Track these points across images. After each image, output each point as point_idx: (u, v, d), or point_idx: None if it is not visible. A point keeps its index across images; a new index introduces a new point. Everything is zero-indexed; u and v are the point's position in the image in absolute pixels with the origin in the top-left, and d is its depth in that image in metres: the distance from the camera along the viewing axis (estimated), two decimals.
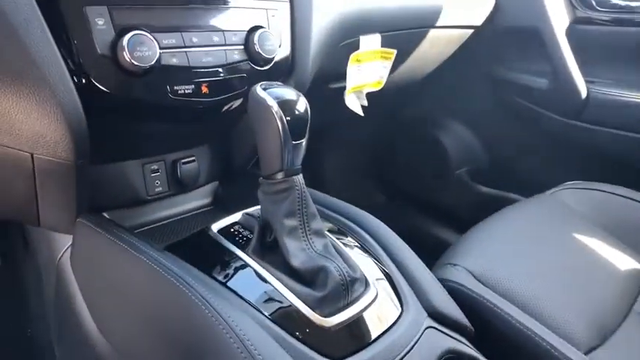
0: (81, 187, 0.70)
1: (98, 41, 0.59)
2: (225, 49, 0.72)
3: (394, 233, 0.76)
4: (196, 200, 0.94)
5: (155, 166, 0.85)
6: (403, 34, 1.17)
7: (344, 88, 1.08)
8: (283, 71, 0.82)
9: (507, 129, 1.49)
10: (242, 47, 0.74)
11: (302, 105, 0.61)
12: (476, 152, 1.57)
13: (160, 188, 0.86)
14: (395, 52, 1.12)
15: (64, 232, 0.80)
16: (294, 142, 0.59)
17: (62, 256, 0.82)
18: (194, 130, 0.85)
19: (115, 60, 0.60)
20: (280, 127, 0.58)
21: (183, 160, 0.87)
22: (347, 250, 0.67)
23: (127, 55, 0.60)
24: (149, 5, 0.64)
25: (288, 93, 0.61)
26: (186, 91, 0.69)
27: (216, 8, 0.71)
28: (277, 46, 0.77)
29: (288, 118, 0.59)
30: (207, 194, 0.96)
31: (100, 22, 0.59)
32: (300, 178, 0.62)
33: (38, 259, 0.96)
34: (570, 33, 1.31)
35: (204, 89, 0.71)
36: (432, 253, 0.95)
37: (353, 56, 1.04)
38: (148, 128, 0.76)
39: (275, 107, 0.58)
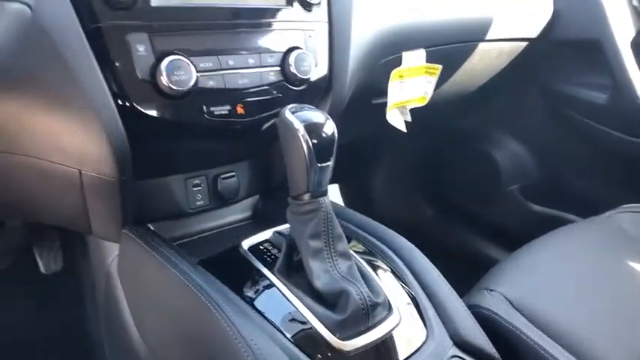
0: (126, 200, 0.75)
1: (139, 67, 0.63)
2: (261, 71, 0.74)
3: (424, 256, 0.75)
4: (236, 214, 0.97)
5: (197, 181, 0.88)
6: (449, 48, 1.14)
7: (387, 103, 1.08)
8: (320, 90, 0.83)
9: (562, 145, 1.42)
10: (278, 68, 0.76)
11: (329, 128, 0.61)
12: (528, 168, 1.51)
13: (202, 202, 0.89)
14: (440, 67, 1.10)
15: (112, 241, 0.85)
16: (320, 165, 0.60)
17: (111, 262, 0.88)
18: (234, 147, 0.88)
19: (154, 84, 0.64)
20: (306, 150, 0.59)
21: (223, 175, 0.90)
22: (373, 272, 0.67)
23: (165, 80, 0.63)
24: (187, 31, 0.67)
25: (316, 116, 0.61)
26: (222, 112, 0.71)
27: (254, 31, 0.74)
28: (313, 66, 0.78)
29: (315, 141, 0.60)
30: (247, 208, 0.98)
31: (141, 49, 0.63)
32: (326, 200, 0.63)
33: (92, 263, 1.02)
34: (636, 45, 1.23)
35: (240, 110, 0.73)
36: (480, 271, 0.92)
37: (395, 72, 1.03)
38: (189, 146, 0.79)
39: (301, 130, 0.59)
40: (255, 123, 0.76)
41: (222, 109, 0.71)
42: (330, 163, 0.62)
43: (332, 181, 1.87)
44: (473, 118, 1.59)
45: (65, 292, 1.20)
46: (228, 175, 0.91)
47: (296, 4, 0.78)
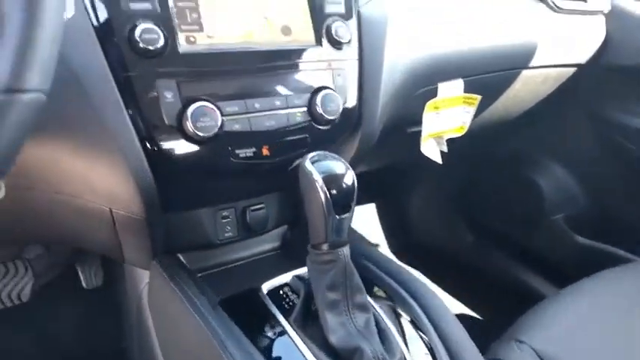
0: (155, 234, 0.77)
1: (166, 113, 0.65)
2: (287, 112, 0.74)
3: (447, 306, 0.72)
4: (264, 244, 0.97)
5: (226, 213, 0.89)
6: (489, 76, 1.10)
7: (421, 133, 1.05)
8: (348, 127, 0.83)
9: (613, 174, 1.34)
10: (305, 109, 0.76)
11: (349, 179, 0.61)
12: (574, 196, 1.43)
13: (230, 233, 0.90)
14: (479, 98, 1.06)
15: (144, 269, 0.88)
16: (338, 217, 0.60)
17: (143, 288, 0.92)
18: (262, 182, 0.89)
19: (180, 129, 0.65)
20: (324, 202, 0.59)
21: (252, 207, 0.91)
22: (392, 324, 0.65)
23: (190, 126, 0.64)
24: (214, 76, 0.68)
25: (337, 166, 0.61)
26: (247, 154, 0.72)
27: (281, 73, 0.74)
28: (341, 105, 0.77)
29: (334, 192, 0.59)
30: (275, 238, 0.99)
31: (169, 96, 0.65)
32: (345, 250, 0.62)
33: (127, 286, 1.06)
34: None
35: (266, 151, 0.74)
36: (519, 303, 0.88)
37: (430, 104, 1.01)
38: (217, 184, 0.80)
39: (320, 182, 0.59)
40: (281, 163, 0.76)
41: (248, 152, 0.72)
42: (350, 215, 0.61)
43: (368, 200, 1.84)
44: (515, 142, 1.53)
45: (104, 307, 1.26)
46: (257, 207, 0.91)
47: (325, 43, 0.77)
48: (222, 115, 0.68)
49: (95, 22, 0.61)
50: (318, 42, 0.77)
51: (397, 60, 0.89)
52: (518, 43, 1.13)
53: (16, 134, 0.38)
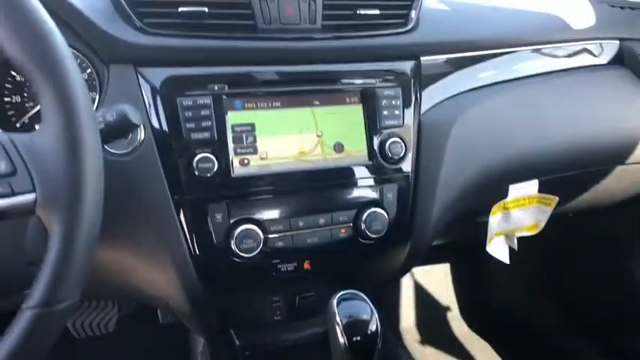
0: (204, 321, 0.84)
1: (215, 232, 0.70)
2: (331, 229, 0.76)
3: None
4: (313, 327, 1.00)
5: (276, 298, 0.94)
6: (573, 174, 1.02)
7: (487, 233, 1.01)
8: (395, 241, 0.82)
9: None
10: (350, 225, 0.77)
11: (373, 325, 0.61)
12: None
13: (279, 317, 0.95)
14: (556, 199, 0.99)
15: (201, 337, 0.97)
16: None
17: (199, 353, 1.00)
18: (305, 285, 0.91)
19: (227, 247, 0.70)
20: (343, 349, 0.60)
21: (302, 295, 0.94)
22: None
23: (234, 247, 0.69)
24: (262, 196, 0.72)
25: (362, 310, 0.62)
26: (289, 269, 0.76)
27: (330, 190, 0.76)
28: (387, 223, 0.77)
29: (357, 338, 0.60)
30: (324, 323, 1.01)
31: (219, 217, 0.70)
32: None
33: (191, 338, 1.17)
34: None
35: (307, 266, 0.77)
36: None
37: (498, 206, 0.96)
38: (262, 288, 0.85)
39: (341, 326, 0.60)
40: (323, 275, 0.78)
41: (289, 266, 0.76)
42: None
43: (442, 260, 1.77)
44: (613, 225, 1.38)
45: (177, 343, 1.38)
46: (306, 294, 0.94)
47: (378, 159, 0.78)
48: (266, 233, 0.72)
49: (160, 149, 0.68)
50: (371, 158, 0.78)
51: (460, 167, 0.86)
52: (615, 140, 1.02)
53: (54, 333, 0.44)
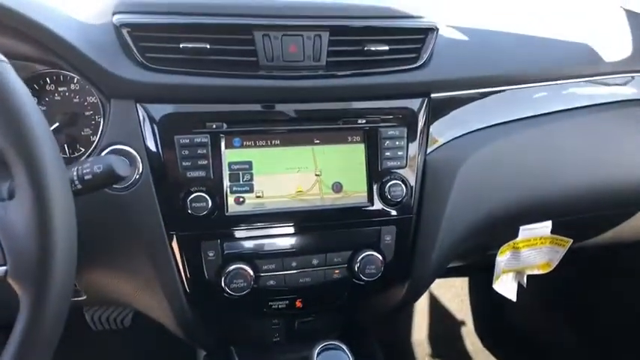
0: (201, 339, 0.87)
1: (207, 269, 0.71)
2: (325, 269, 0.76)
3: None
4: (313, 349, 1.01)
5: (276, 320, 0.95)
6: (592, 215, 0.97)
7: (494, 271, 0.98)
8: (391, 283, 0.81)
9: None
10: (345, 266, 0.76)
11: None
12: None
13: (278, 339, 0.96)
14: (570, 241, 0.94)
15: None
16: None
17: None
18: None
19: (218, 284, 0.71)
20: None
21: (302, 320, 0.95)
22: None
23: (224, 286, 0.70)
24: (256, 236, 0.73)
25: None
26: (280, 306, 0.76)
27: (325, 231, 0.75)
28: (382, 266, 0.76)
29: None
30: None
31: (211, 254, 0.71)
32: None
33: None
34: None
35: (299, 304, 0.77)
36: None
37: (506, 246, 0.93)
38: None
39: None
40: (314, 312, 0.78)
41: (281, 304, 0.76)
42: None
43: (460, 274, 1.73)
44: (635, 253, 1.31)
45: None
46: (306, 319, 0.95)
47: (377, 202, 0.76)
48: (258, 272, 0.72)
49: (157, 185, 0.69)
50: (370, 199, 0.76)
51: (465, 209, 0.83)
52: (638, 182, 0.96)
53: None
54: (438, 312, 1.69)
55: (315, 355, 0.64)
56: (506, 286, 0.99)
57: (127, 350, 1.43)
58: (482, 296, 1.71)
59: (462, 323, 1.69)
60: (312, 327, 0.95)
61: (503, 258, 0.94)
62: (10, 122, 0.41)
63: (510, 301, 1.66)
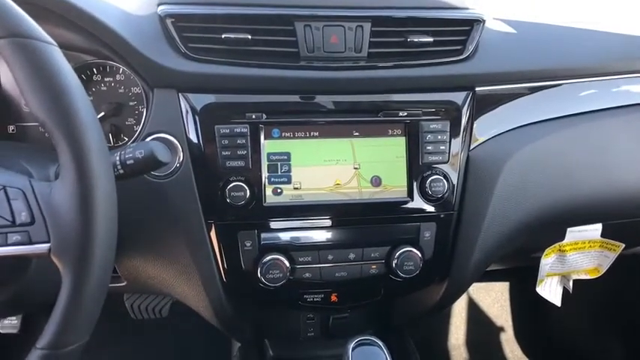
0: (235, 330, 0.87)
1: (244, 259, 0.72)
2: (361, 264, 0.74)
3: None
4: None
5: (311, 315, 0.95)
6: None
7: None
8: (430, 280, 0.79)
9: None
10: (382, 262, 0.75)
11: None
12: None
13: (313, 334, 0.96)
14: (622, 246, 0.89)
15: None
16: None
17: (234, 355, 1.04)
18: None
19: (254, 274, 0.71)
20: None
21: (336, 316, 0.94)
22: None
23: (261, 277, 0.70)
24: (294, 227, 0.72)
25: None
26: (315, 299, 0.75)
27: (363, 226, 0.74)
28: (421, 263, 0.74)
29: None
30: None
31: (248, 244, 0.71)
32: None
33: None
34: None
35: (334, 298, 0.76)
36: None
37: (552, 248, 0.89)
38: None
39: None
40: (349, 307, 0.77)
41: (316, 297, 0.75)
42: None
43: (501, 279, 1.67)
44: None
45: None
46: (341, 315, 0.94)
47: (417, 197, 0.74)
48: (294, 264, 0.72)
49: (196, 174, 0.70)
50: (410, 195, 0.74)
51: (509, 208, 0.79)
52: None
53: None
54: (477, 317, 1.64)
55: (350, 350, 0.62)
56: (550, 291, 0.95)
57: (164, 339, 1.46)
58: (524, 302, 1.65)
59: (502, 329, 1.63)
60: (347, 323, 0.95)
61: (548, 261, 0.90)
62: (56, 102, 0.42)
63: (554, 308, 1.59)
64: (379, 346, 0.63)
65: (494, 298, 1.66)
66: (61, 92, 0.43)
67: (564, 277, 0.96)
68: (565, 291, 1.44)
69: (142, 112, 0.74)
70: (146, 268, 0.75)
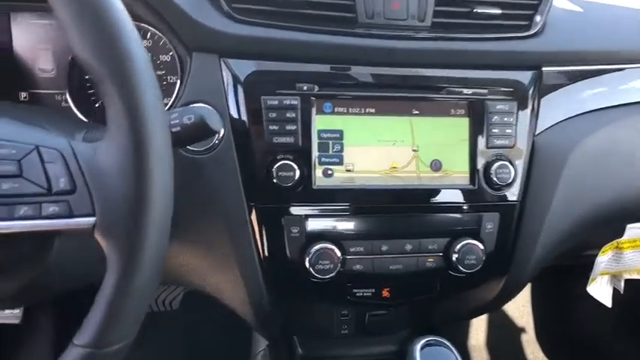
0: (270, 325, 0.79)
1: (290, 247, 0.64)
2: (417, 257, 0.67)
3: None
4: (382, 345, 0.93)
5: (345, 312, 0.87)
6: None
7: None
8: (490, 276, 0.72)
9: None
10: (440, 254, 0.68)
11: None
12: None
13: (347, 331, 0.88)
14: None
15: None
16: None
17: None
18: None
19: (301, 264, 0.64)
20: None
21: (373, 312, 0.87)
22: None
23: (309, 267, 0.63)
24: (343, 214, 0.65)
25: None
26: (365, 294, 0.68)
27: (420, 214, 0.67)
28: (484, 256, 0.67)
29: None
30: (394, 342, 0.93)
31: (295, 230, 0.64)
32: None
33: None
34: None
35: (386, 293, 0.69)
36: None
37: (610, 245, 0.82)
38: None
39: None
40: (401, 304, 0.70)
41: (366, 292, 0.68)
42: None
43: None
44: None
45: (239, 333, 1.36)
46: (378, 312, 0.87)
47: (481, 184, 0.67)
48: (345, 254, 0.64)
49: (239, 150, 0.62)
50: (472, 181, 0.67)
51: (574, 200, 0.73)
52: None
53: None
54: (498, 317, 1.58)
55: (419, 350, 0.55)
56: (600, 290, 0.88)
57: (175, 333, 1.39)
58: (546, 303, 1.59)
59: (523, 330, 1.57)
60: (385, 321, 0.87)
61: (604, 258, 0.83)
62: (110, 42, 0.34)
63: (576, 309, 1.54)
64: (447, 347, 0.56)
65: (514, 299, 1.59)
66: (117, 31, 0.34)
67: (614, 277, 0.90)
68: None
69: (174, 82, 0.66)
70: (178, 255, 0.67)
